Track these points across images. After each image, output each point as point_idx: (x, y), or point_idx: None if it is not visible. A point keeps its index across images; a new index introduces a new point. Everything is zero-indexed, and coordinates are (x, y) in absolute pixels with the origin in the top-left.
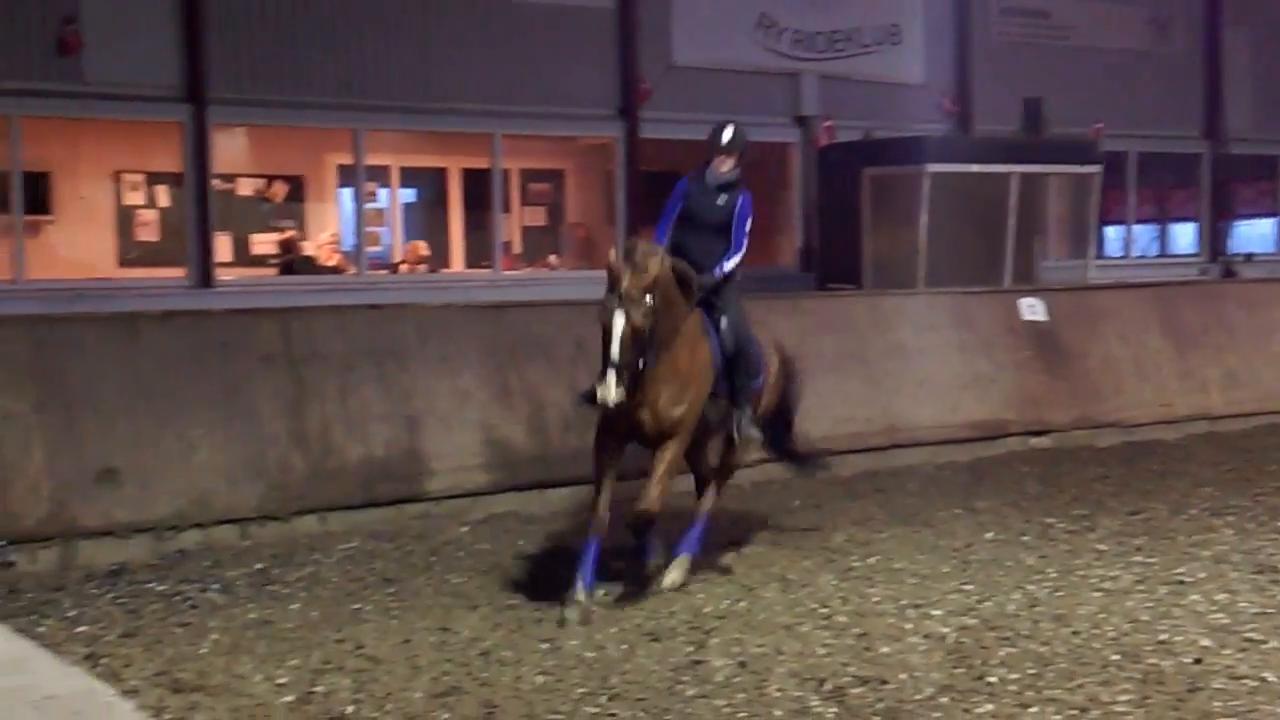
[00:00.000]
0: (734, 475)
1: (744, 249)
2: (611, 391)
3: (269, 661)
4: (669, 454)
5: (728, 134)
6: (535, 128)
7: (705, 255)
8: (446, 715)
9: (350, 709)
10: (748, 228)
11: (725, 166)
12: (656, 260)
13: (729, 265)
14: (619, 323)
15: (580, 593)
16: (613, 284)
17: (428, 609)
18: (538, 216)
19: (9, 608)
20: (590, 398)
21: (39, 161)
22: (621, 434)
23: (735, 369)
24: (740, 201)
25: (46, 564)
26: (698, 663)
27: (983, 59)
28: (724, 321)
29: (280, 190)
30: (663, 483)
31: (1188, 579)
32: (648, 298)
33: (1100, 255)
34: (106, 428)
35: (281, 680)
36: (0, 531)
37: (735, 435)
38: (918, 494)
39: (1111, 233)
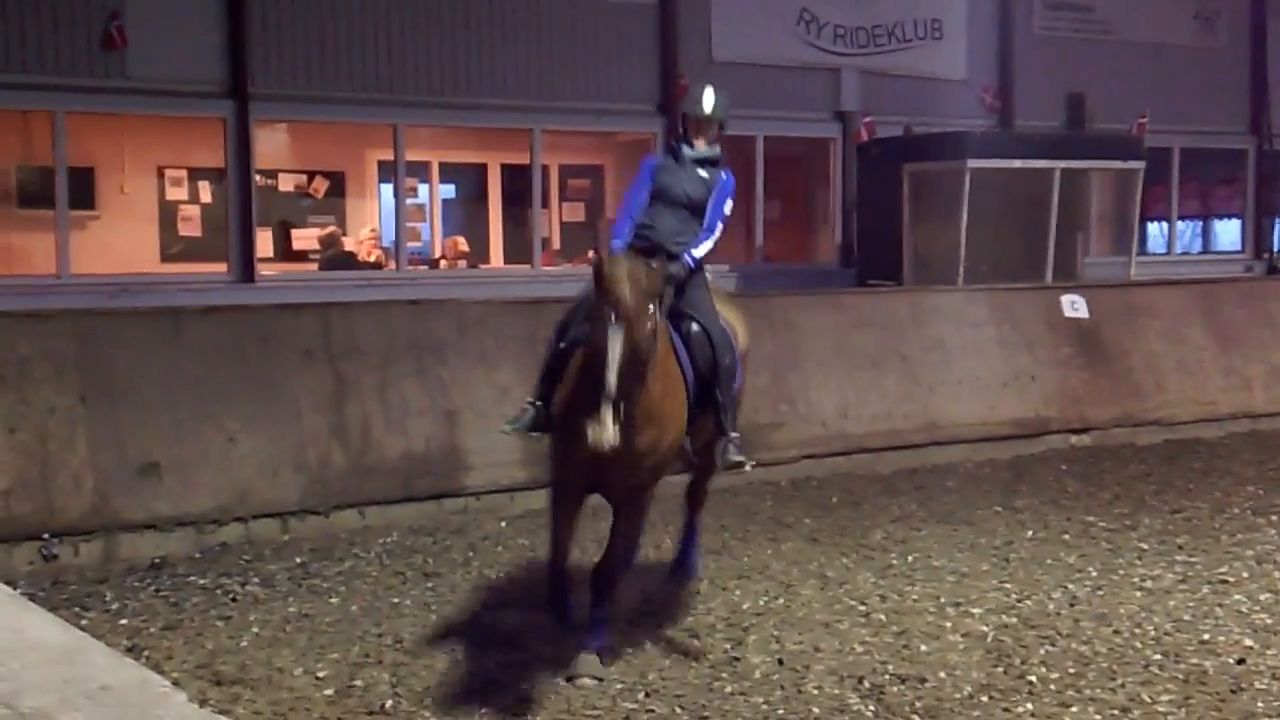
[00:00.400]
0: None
1: (718, 233)
2: (608, 431)
3: (309, 655)
4: (637, 513)
5: (708, 101)
6: (575, 123)
7: (673, 237)
8: (484, 709)
9: (389, 702)
10: (727, 209)
11: (705, 141)
12: (652, 269)
13: (699, 251)
14: (617, 345)
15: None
16: (607, 294)
17: (466, 604)
18: (577, 212)
19: (53, 599)
20: (531, 424)
21: (83, 157)
22: (585, 485)
23: (712, 383)
24: (722, 179)
25: (89, 557)
26: (735, 660)
27: (1025, 54)
28: (694, 328)
29: (321, 185)
30: (629, 545)
31: (1230, 578)
32: (651, 308)
33: (1143, 252)
34: (149, 421)
35: (321, 673)
36: (44, 524)
37: (718, 462)
38: (957, 491)
39: (1154, 229)
